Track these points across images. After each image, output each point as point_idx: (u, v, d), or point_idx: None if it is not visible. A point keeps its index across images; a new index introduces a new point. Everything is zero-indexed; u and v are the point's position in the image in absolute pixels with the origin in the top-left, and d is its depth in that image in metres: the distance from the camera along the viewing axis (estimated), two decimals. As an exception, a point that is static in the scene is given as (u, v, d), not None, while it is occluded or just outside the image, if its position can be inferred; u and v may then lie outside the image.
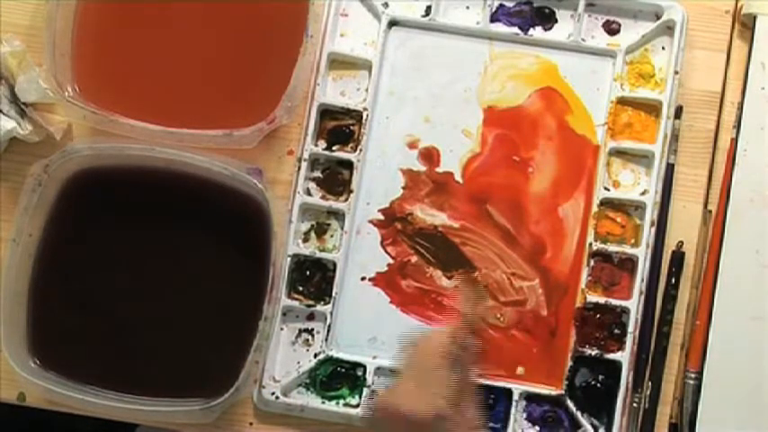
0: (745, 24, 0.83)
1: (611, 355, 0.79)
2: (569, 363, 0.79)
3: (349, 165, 0.82)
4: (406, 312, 0.81)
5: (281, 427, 0.80)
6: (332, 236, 0.82)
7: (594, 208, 0.81)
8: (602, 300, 0.79)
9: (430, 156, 0.83)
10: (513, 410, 0.79)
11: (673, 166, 0.81)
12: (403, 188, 0.82)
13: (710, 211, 0.81)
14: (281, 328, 0.81)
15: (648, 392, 0.79)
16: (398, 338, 0.73)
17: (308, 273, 0.81)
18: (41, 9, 0.82)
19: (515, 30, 0.83)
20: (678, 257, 0.80)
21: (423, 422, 0.66)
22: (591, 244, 0.80)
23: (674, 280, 0.80)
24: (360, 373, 0.80)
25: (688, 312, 0.80)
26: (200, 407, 0.75)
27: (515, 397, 0.79)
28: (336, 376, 0.80)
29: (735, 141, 0.81)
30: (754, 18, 0.82)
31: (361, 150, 0.82)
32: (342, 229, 0.81)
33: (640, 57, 0.83)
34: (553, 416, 0.79)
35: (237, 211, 0.80)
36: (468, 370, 0.70)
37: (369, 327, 0.80)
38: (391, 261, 0.81)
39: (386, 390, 0.73)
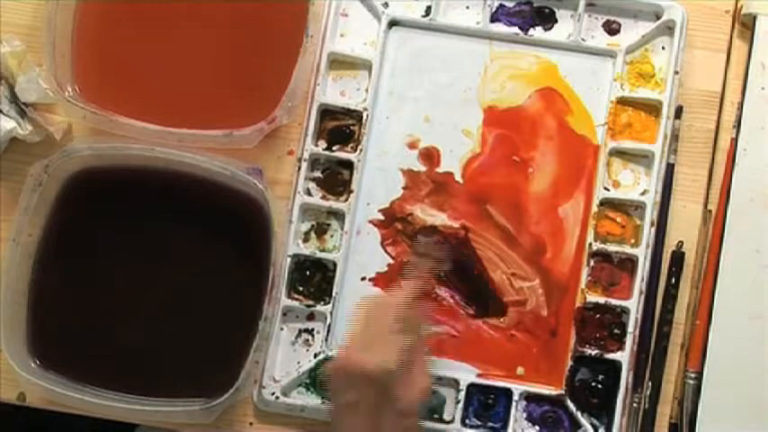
0: (745, 24, 0.83)
1: (611, 355, 0.79)
2: (569, 363, 0.79)
3: (349, 165, 0.82)
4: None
5: (281, 427, 0.80)
6: (332, 236, 0.82)
7: (594, 208, 0.81)
8: (602, 300, 0.79)
9: (430, 156, 0.83)
10: (513, 410, 0.79)
11: (673, 166, 0.81)
12: (403, 188, 0.82)
13: (710, 211, 0.81)
14: (281, 328, 0.81)
15: (648, 392, 0.79)
16: (354, 304, 0.73)
17: (308, 273, 0.81)
18: (41, 9, 0.82)
19: (515, 30, 0.83)
20: (678, 257, 0.80)
21: (370, 377, 0.67)
22: (591, 244, 0.80)
23: (674, 280, 0.80)
24: (360, 373, 0.80)
25: (688, 312, 0.80)
26: (200, 407, 0.75)
27: (515, 397, 0.79)
28: (336, 376, 0.80)
29: (735, 141, 0.81)
30: (754, 18, 0.82)
31: (361, 150, 0.82)
32: (342, 229, 0.81)
33: (640, 57, 0.83)
34: (553, 416, 0.79)
35: (237, 211, 0.80)
36: (418, 332, 0.71)
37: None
38: (391, 261, 0.81)
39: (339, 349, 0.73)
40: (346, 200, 0.82)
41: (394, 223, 0.82)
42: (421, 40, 0.84)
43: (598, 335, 0.80)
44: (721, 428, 0.78)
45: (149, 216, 0.82)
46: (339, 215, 0.82)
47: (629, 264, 0.80)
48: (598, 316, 0.80)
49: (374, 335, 0.69)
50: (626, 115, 0.82)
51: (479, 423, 0.79)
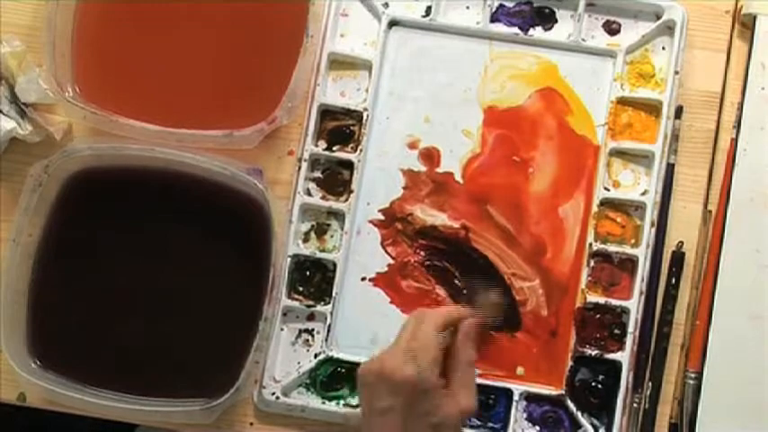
0: (745, 24, 0.83)
1: (611, 355, 0.79)
2: (569, 363, 0.79)
3: (349, 165, 0.82)
4: (407, 312, 0.81)
5: (282, 427, 0.80)
6: (332, 236, 0.82)
7: (594, 208, 0.81)
8: (602, 300, 0.79)
9: (430, 156, 0.83)
10: (513, 410, 0.79)
11: (673, 166, 0.81)
12: (403, 188, 0.82)
13: (710, 211, 0.81)
14: (282, 329, 0.81)
15: (648, 392, 0.79)
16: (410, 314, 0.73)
17: (307, 273, 0.81)
18: (41, 9, 0.82)
19: (515, 30, 0.83)
20: (678, 257, 0.80)
21: (407, 385, 0.66)
22: (591, 244, 0.80)
23: (674, 280, 0.80)
24: (360, 374, 0.80)
25: (688, 312, 0.80)
26: (200, 407, 0.75)
27: (515, 397, 0.79)
28: (337, 376, 0.80)
29: (735, 141, 0.81)
30: (754, 18, 0.82)
31: (361, 150, 0.82)
32: (342, 229, 0.81)
33: (640, 57, 0.83)
34: (553, 416, 0.79)
35: (237, 211, 0.80)
36: (465, 346, 0.70)
37: (369, 327, 0.80)
38: (391, 261, 0.81)
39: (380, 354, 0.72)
40: (346, 200, 0.82)
41: (394, 223, 0.82)
42: (421, 40, 0.84)
43: (598, 335, 0.80)
44: (721, 428, 0.78)
45: (149, 216, 0.82)
46: (339, 215, 0.82)
47: (630, 264, 0.80)
48: (598, 316, 0.80)
49: (419, 347, 0.68)
50: (626, 115, 0.82)
51: (479, 423, 0.79)
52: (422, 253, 0.82)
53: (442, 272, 0.81)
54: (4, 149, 0.82)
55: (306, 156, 0.82)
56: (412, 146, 0.83)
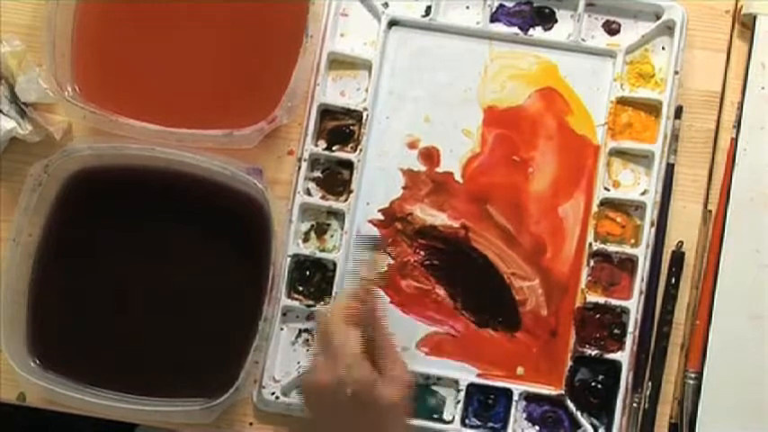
0: (745, 24, 0.83)
1: (611, 355, 0.79)
2: (569, 363, 0.79)
3: (349, 165, 0.82)
4: (406, 313, 0.81)
5: (281, 427, 0.80)
6: (332, 236, 0.82)
7: (594, 208, 0.81)
8: (602, 300, 0.79)
9: (430, 156, 0.83)
10: (513, 410, 0.79)
11: (673, 166, 0.81)
12: (403, 188, 0.82)
13: (710, 211, 0.81)
14: (281, 328, 0.81)
15: (648, 392, 0.79)
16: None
17: (307, 273, 0.81)
18: (41, 9, 0.82)
19: (515, 30, 0.83)
20: (678, 257, 0.80)
21: (345, 388, 0.67)
22: (591, 244, 0.80)
23: (674, 280, 0.80)
24: (360, 373, 0.80)
25: (688, 312, 0.80)
26: (200, 407, 0.75)
27: (515, 397, 0.79)
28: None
29: (735, 141, 0.81)
30: (754, 18, 0.82)
31: (361, 150, 0.82)
32: (342, 229, 0.81)
33: (640, 57, 0.83)
34: (553, 416, 0.79)
35: (237, 211, 0.80)
36: (377, 327, 0.70)
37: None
38: (391, 261, 0.81)
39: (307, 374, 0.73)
40: (346, 200, 0.82)
41: (394, 223, 0.82)
42: (421, 40, 0.84)
43: (598, 335, 0.80)
44: (721, 428, 0.78)
45: (149, 216, 0.82)
46: (339, 215, 0.82)
47: (629, 264, 0.80)
48: (598, 316, 0.80)
49: (336, 348, 0.68)
50: (626, 115, 0.82)
51: (479, 423, 0.79)
52: (421, 253, 0.82)
53: (441, 271, 0.81)
54: (4, 149, 0.82)
55: (306, 155, 0.82)
56: (412, 146, 0.83)
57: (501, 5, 0.84)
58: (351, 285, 0.74)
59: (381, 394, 0.68)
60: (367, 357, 0.68)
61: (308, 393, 0.70)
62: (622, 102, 0.82)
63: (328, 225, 0.82)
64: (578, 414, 0.78)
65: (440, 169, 0.82)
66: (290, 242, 0.81)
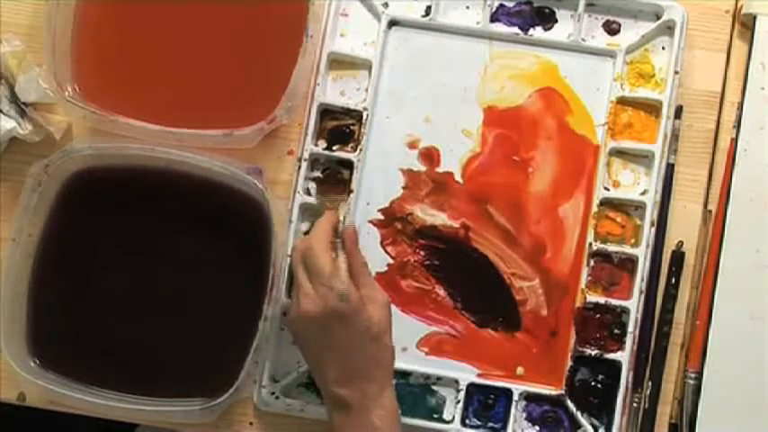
0: (745, 24, 0.83)
1: (611, 355, 0.79)
2: (569, 363, 0.79)
3: (349, 165, 0.82)
4: (406, 312, 0.81)
5: (281, 427, 0.80)
6: (332, 236, 0.82)
7: (594, 208, 0.81)
8: (602, 300, 0.79)
9: (430, 156, 0.83)
10: (513, 410, 0.79)
11: (673, 166, 0.81)
12: (403, 188, 0.82)
13: (710, 211, 0.81)
14: (282, 329, 0.81)
15: (648, 392, 0.79)
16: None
17: (308, 273, 0.81)
18: (41, 9, 0.82)
19: (515, 30, 0.83)
20: (678, 257, 0.80)
21: (331, 314, 0.70)
22: (591, 244, 0.80)
23: (674, 280, 0.80)
24: (360, 373, 0.80)
25: (688, 312, 0.80)
26: (200, 407, 0.75)
27: (515, 397, 0.79)
28: (336, 376, 0.80)
29: (735, 141, 0.81)
30: (754, 18, 0.82)
31: (361, 150, 0.82)
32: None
33: (640, 57, 0.83)
34: (553, 416, 0.79)
35: (237, 211, 0.80)
36: (352, 252, 0.73)
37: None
38: (391, 261, 0.81)
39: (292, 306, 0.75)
40: (346, 200, 0.82)
41: (394, 223, 0.82)
42: (421, 40, 0.84)
43: (598, 335, 0.80)
44: (721, 428, 0.78)
45: (149, 216, 0.82)
46: (339, 215, 0.82)
47: (629, 264, 0.80)
48: (598, 316, 0.80)
49: (323, 276, 0.70)
50: (626, 115, 0.82)
51: (479, 423, 0.79)
52: (421, 253, 0.82)
53: (441, 271, 0.81)
54: (4, 149, 0.82)
55: (306, 155, 0.82)
56: (412, 145, 0.83)
57: (501, 5, 0.84)
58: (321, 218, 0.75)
59: (370, 315, 0.70)
60: None
61: (298, 327, 0.72)
62: (622, 102, 0.82)
63: (328, 225, 0.82)
64: (578, 414, 0.78)
65: (440, 169, 0.82)
66: (290, 242, 0.81)
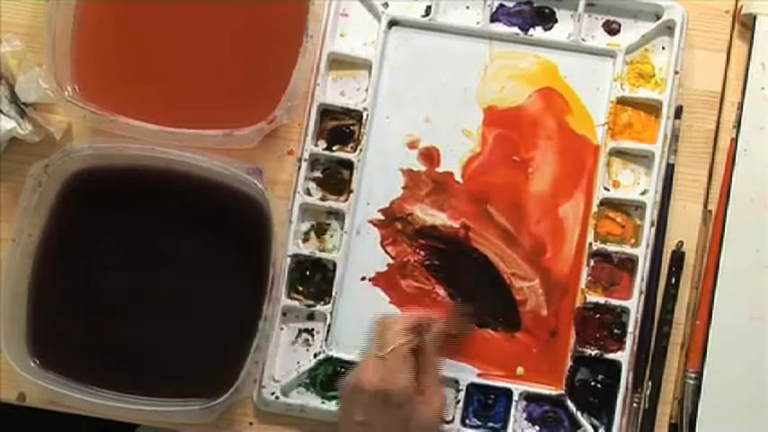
0: (745, 24, 0.83)
1: (611, 355, 0.79)
2: (569, 363, 0.79)
3: (349, 165, 0.82)
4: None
5: (281, 427, 0.80)
6: (332, 236, 0.82)
7: (594, 208, 0.81)
8: (602, 300, 0.79)
9: (430, 156, 0.83)
10: (513, 410, 0.79)
11: (673, 166, 0.81)
12: (403, 188, 0.82)
13: (710, 211, 0.81)
14: (281, 328, 0.81)
15: (648, 392, 0.79)
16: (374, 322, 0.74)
17: (308, 273, 0.81)
18: (41, 9, 0.82)
19: (515, 30, 0.83)
20: (678, 257, 0.80)
21: (386, 398, 0.68)
22: (591, 244, 0.80)
23: (674, 280, 0.80)
24: (360, 373, 0.80)
25: (688, 312, 0.80)
26: (200, 407, 0.75)
27: (515, 397, 0.79)
28: (336, 376, 0.80)
29: (735, 141, 0.81)
30: (754, 18, 0.82)
31: (361, 150, 0.82)
32: (342, 229, 0.81)
33: (640, 57, 0.83)
34: (553, 416, 0.79)
35: (237, 211, 0.80)
36: (428, 358, 0.72)
37: (369, 327, 0.80)
38: (391, 261, 0.81)
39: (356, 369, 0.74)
40: (346, 200, 0.82)
41: (394, 223, 0.82)
42: (421, 40, 0.84)
43: (598, 335, 0.80)
44: (721, 428, 0.78)
45: (149, 216, 0.82)
46: (339, 215, 0.82)
47: (629, 264, 0.80)
48: (598, 316, 0.80)
49: (389, 356, 0.70)
50: (626, 115, 0.82)
51: (479, 423, 0.79)
52: (421, 253, 0.82)
53: (441, 271, 0.81)
54: (4, 149, 0.83)
55: (306, 155, 0.82)
56: (412, 146, 0.83)
57: (501, 5, 0.84)
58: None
59: (419, 410, 0.69)
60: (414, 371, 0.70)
61: (349, 390, 0.71)
62: (622, 102, 0.82)
63: (328, 225, 0.82)
64: (578, 414, 0.78)
65: (440, 169, 0.82)
66: (290, 242, 0.81)
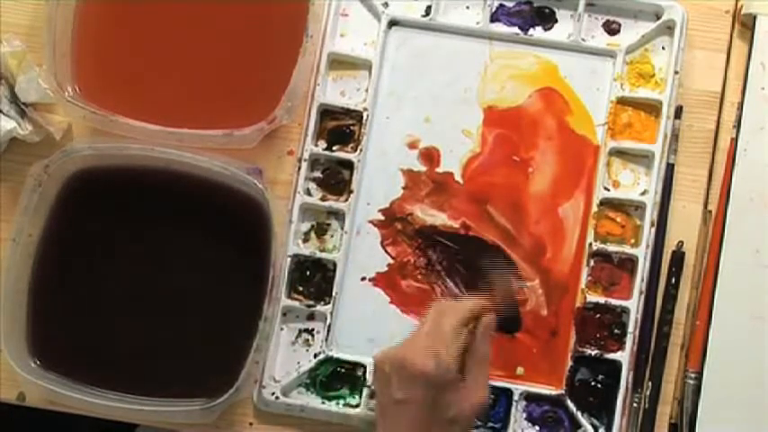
0: (745, 24, 0.83)
1: (611, 355, 0.79)
2: (569, 363, 0.79)
3: (349, 165, 0.82)
4: (406, 313, 0.81)
5: (281, 427, 0.80)
6: (332, 236, 0.82)
7: (594, 208, 0.81)
8: (602, 300, 0.79)
9: (430, 156, 0.83)
10: (513, 410, 0.79)
11: (673, 166, 0.81)
12: (403, 188, 0.82)
13: (710, 211, 0.81)
14: (281, 328, 0.81)
15: (648, 392, 0.79)
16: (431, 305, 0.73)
17: (308, 273, 0.81)
18: (41, 9, 0.82)
19: (515, 30, 0.83)
20: (678, 257, 0.80)
21: (426, 378, 0.67)
22: (591, 244, 0.80)
23: (674, 280, 0.80)
24: (360, 374, 0.80)
25: (688, 312, 0.80)
26: (200, 407, 0.75)
27: (515, 397, 0.79)
28: (336, 376, 0.80)
29: (735, 141, 0.81)
30: (754, 18, 0.82)
31: (361, 150, 0.82)
32: (342, 229, 0.81)
33: (640, 57, 0.83)
34: (553, 416, 0.79)
35: (237, 211, 0.80)
36: (484, 345, 0.71)
37: (369, 327, 0.80)
38: (391, 261, 0.81)
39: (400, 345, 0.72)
40: (346, 200, 0.82)
41: (394, 223, 0.82)
42: (421, 39, 0.84)
43: (598, 335, 0.80)
44: (721, 428, 0.78)
45: (149, 216, 0.82)
46: (339, 215, 0.82)
47: (629, 264, 0.80)
48: (598, 316, 0.80)
49: (441, 342, 0.68)
50: (626, 115, 0.82)
51: (479, 423, 0.79)
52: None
53: (442, 271, 0.81)
54: (4, 149, 0.83)
55: (306, 155, 0.82)
56: (412, 146, 0.83)
57: (501, 5, 0.84)
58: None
59: (460, 397, 0.68)
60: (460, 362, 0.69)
61: (394, 365, 0.68)
62: (622, 102, 0.82)
63: (328, 225, 0.82)
64: (578, 414, 0.78)
65: (440, 169, 0.82)
66: (290, 242, 0.81)
